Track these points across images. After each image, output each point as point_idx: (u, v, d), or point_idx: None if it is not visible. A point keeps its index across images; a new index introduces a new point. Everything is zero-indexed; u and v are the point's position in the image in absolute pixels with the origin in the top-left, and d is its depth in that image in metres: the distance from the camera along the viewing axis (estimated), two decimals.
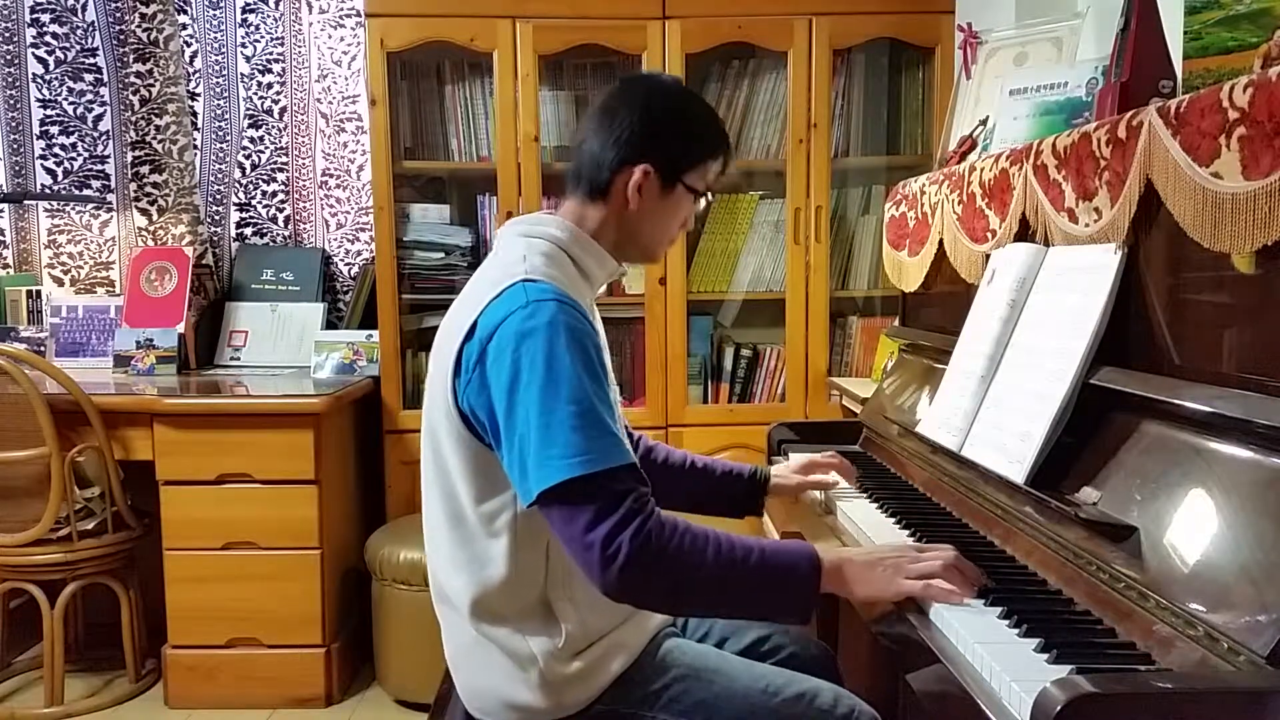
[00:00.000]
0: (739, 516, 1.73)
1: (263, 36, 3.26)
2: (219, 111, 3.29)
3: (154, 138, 3.17)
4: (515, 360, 1.21)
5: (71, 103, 3.22)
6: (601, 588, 1.18)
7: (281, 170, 3.30)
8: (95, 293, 3.27)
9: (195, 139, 3.27)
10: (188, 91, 3.24)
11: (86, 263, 3.28)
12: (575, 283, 1.36)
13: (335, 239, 3.30)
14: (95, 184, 3.25)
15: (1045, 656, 1.01)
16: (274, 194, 3.31)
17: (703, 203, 1.45)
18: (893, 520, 1.57)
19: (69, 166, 3.24)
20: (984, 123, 2.05)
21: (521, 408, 1.20)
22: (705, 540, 1.21)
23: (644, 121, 1.36)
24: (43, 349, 3.09)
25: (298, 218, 3.32)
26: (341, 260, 3.30)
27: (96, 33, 3.19)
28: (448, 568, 1.35)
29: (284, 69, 3.27)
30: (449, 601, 1.37)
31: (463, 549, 1.32)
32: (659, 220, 1.41)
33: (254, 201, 3.31)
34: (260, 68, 3.27)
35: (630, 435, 1.68)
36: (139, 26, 3.13)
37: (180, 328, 3.06)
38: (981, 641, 1.06)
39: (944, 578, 1.20)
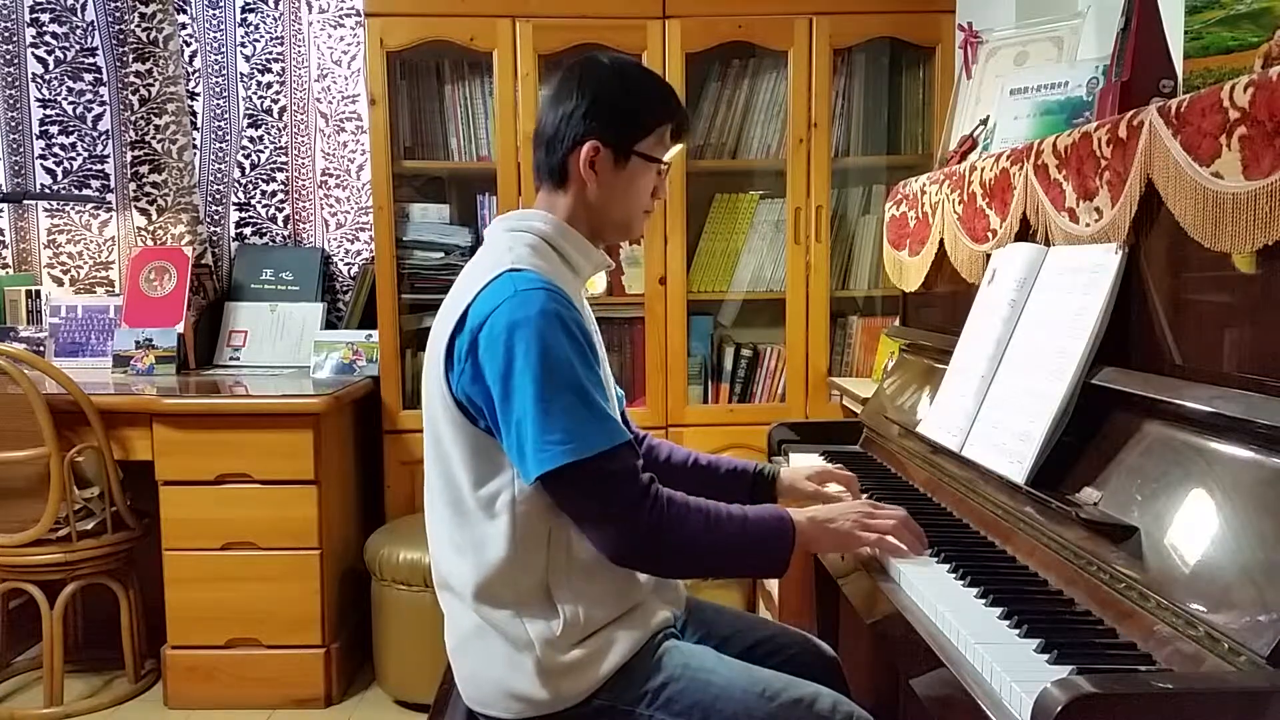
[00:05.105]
0: None
1: (262, 36, 3.25)
2: (218, 111, 3.29)
3: (153, 137, 3.17)
4: (509, 349, 1.26)
5: (71, 102, 3.22)
6: (611, 558, 1.30)
7: (281, 170, 3.30)
8: (95, 293, 3.26)
9: (195, 139, 3.27)
10: (187, 91, 3.23)
11: (86, 263, 3.28)
12: (561, 274, 1.39)
13: (335, 239, 3.30)
14: (95, 184, 3.24)
15: (1046, 657, 1.01)
16: (273, 194, 3.30)
17: (664, 171, 1.47)
18: None
19: (68, 166, 3.24)
20: (984, 122, 2.05)
21: (518, 395, 1.25)
22: (699, 512, 1.31)
23: (585, 101, 1.40)
24: (42, 349, 3.09)
25: (297, 217, 3.32)
26: (341, 260, 3.30)
27: (96, 32, 3.19)
28: (449, 554, 1.38)
29: (283, 68, 3.27)
30: (451, 589, 1.39)
31: (463, 533, 1.35)
32: (622, 194, 1.44)
33: (253, 201, 3.31)
34: (260, 67, 3.26)
35: (634, 432, 1.68)
36: (138, 26, 3.12)
37: (179, 328, 3.06)
38: (982, 642, 1.06)
39: (896, 535, 1.34)
